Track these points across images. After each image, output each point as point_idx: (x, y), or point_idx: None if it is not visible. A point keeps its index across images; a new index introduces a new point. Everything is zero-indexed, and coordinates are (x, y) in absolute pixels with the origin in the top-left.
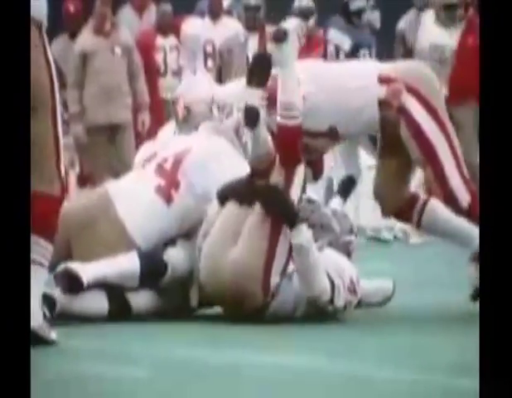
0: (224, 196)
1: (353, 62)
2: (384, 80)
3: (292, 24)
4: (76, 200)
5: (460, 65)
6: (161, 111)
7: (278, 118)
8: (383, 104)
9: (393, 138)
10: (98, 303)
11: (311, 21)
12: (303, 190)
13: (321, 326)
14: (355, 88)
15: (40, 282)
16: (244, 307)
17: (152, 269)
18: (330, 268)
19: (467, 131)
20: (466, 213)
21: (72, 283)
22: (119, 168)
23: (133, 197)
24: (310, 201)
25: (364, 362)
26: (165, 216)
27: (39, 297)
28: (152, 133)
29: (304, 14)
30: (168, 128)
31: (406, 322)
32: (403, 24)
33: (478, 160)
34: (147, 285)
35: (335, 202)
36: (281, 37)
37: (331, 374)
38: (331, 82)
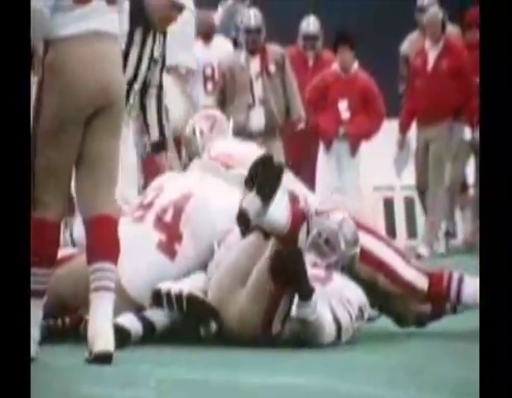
0: (248, 226)
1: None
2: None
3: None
4: (81, 262)
5: (434, 86)
6: None
7: None
8: None
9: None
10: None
11: (319, 43)
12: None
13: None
14: None
15: (110, 305)
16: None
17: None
18: (336, 302)
19: (437, 148)
20: (428, 295)
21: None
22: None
23: (135, 259)
24: (317, 212)
25: (371, 383)
26: (169, 271)
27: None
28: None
29: (311, 39)
30: None
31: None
32: (406, 45)
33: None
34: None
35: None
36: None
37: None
38: None
